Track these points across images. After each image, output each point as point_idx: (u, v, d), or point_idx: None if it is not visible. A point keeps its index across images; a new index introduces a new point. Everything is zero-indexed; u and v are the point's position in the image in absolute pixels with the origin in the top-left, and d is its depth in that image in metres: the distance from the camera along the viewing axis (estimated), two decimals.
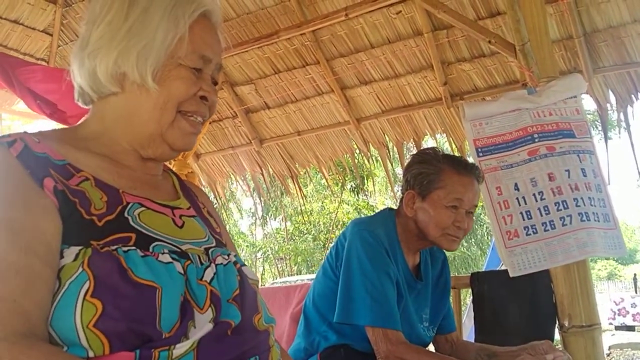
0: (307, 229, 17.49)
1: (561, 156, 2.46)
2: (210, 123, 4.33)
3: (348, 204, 16.33)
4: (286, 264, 17.83)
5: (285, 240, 17.77)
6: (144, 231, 0.97)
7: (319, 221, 17.20)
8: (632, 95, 3.36)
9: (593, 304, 2.52)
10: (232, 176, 4.81)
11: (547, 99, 2.56)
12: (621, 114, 3.45)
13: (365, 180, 13.73)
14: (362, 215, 11.78)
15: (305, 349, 1.97)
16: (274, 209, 17.33)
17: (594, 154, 2.55)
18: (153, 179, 1.12)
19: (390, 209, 2.07)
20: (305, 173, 4.71)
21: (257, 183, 4.78)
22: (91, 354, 0.83)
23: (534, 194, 2.44)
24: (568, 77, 2.68)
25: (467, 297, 6.02)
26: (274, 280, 16.31)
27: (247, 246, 18.42)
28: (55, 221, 0.91)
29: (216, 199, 5.01)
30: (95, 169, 1.02)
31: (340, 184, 13.99)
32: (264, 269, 19.31)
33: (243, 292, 1.03)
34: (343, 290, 1.85)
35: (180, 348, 0.88)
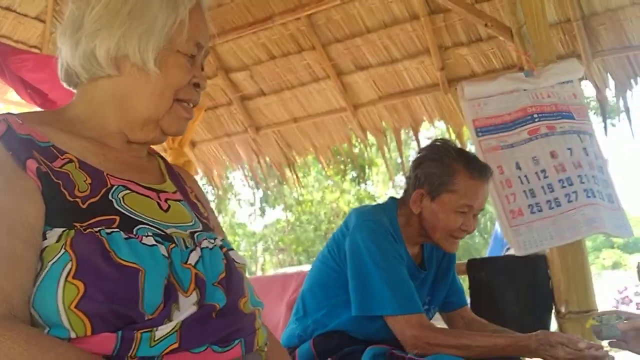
0: (307, 219, 17.49)
1: (562, 135, 2.44)
2: (205, 110, 4.30)
3: (349, 194, 16.33)
4: (287, 254, 17.86)
5: (286, 230, 17.79)
6: (128, 214, 0.97)
7: (320, 211, 17.20)
8: (632, 80, 3.33)
9: (590, 289, 2.50)
10: (228, 164, 4.79)
11: (545, 80, 2.54)
12: (620, 99, 3.42)
13: (367, 170, 13.72)
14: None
15: (299, 335, 1.95)
16: (273, 198, 17.33)
17: (594, 136, 2.53)
18: (139, 162, 1.12)
19: (393, 199, 2.03)
20: (303, 161, 4.69)
21: (254, 171, 4.75)
22: (73, 335, 0.84)
23: (536, 172, 2.41)
24: (565, 61, 2.66)
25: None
26: (275, 271, 16.34)
27: (246, 236, 18.43)
28: (38, 203, 0.91)
29: (213, 188, 5.00)
30: (80, 151, 1.01)
31: (341, 174, 13.98)
32: (264, 259, 19.34)
33: (229, 276, 1.03)
34: (358, 283, 1.81)
35: (163, 330, 0.88)
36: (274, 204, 17.75)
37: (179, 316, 0.91)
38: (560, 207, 2.33)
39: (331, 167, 5.96)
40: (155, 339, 0.88)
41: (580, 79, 3.31)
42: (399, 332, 1.76)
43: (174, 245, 0.97)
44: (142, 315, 0.87)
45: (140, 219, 0.98)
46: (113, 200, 0.97)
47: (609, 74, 3.35)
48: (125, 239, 0.91)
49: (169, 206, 1.07)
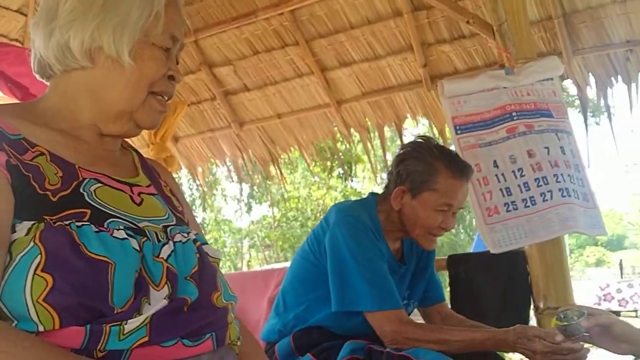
0: (294, 215, 17.49)
1: (540, 134, 2.46)
2: (188, 105, 4.27)
3: (336, 191, 16.34)
4: (273, 250, 17.84)
5: (273, 227, 17.77)
6: (99, 207, 0.97)
7: (307, 208, 17.20)
8: (612, 78, 3.36)
9: (568, 285, 2.54)
10: (212, 160, 4.77)
11: (524, 78, 2.56)
12: (601, 97, 3.45)
13: (353, 167, 13.74)
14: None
15: (279, 331, 1.96)
16: (259, 195, 17.31)
17: (572, 134, 2.55)
18: (111, 155, 1.12)
19: (374, 194, 2.04)
20: (287, 158, 4.68)
21: (238, 167, 4.74)
22: (41, 329, 0.83)
23: (513, 171, 2.44)
24: (545, 59, 2.69)
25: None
26: (260, 267, 16.32)
27: (232, 233, 18.39)
28: (7, 196, 0.90)
29: (197, 184, 4.98)
30: (52, 144, 1.01)
31: (327, 171, 13.99)
32: (250, 256, 19.32)
33: (202, 270, 1.03)
34: (337, 279, 1.82)
35: (132, 323, 0.88)
36: (260, 200, 17.73)
37: (149, 310, 0.91)
38: (535, 206, 2.36)
39: (317, 163, 5.96)
40: (125, 332, 0.88)
41: (562, 77, 3.35)
42: (378, 328, 1.77)
43: (145, 238, 0.97)
44: (112, 308, 0.87)
45: (111, 213, 0.98)
46: (84, 193, 0.97)
47: (589, 72, 3.37)
48: (96, 232, 0.91)
49: (142, 200, 1.07)
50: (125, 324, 0.87)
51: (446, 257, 2.85)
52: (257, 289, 3.16)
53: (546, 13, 3.24)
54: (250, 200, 17.42)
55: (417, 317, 2.10)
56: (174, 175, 5.11)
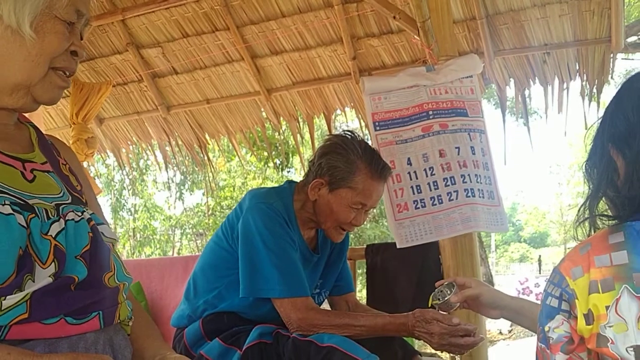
0: (228, 204, 17.32)
1: (453, 134, 2.55)
2: (114, 86, 4.16)
3: (272, 181, 16.29)
4: (205, 239, 17.63)
5: (206, 215, 17.54)
6: None
7: (241, 197, 17.04)
8: (530, 79, 3.51)
9: (477, 274, 2.65)
10: (137, 143, 4.66)
11: (444, 77, 2.64)
12: (519, 97, 3.61)
13: (290, 157, 13.72)
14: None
15: (189, 316, 1.95)
16: (191, 182, 17.03)
17: (485, 133, 2.66)
18: (5, 130, 1.08)
19: (291, 182, 2.06)
20: (225, 145, 4.61)
21: (164, 152, 4.65)
22: None
23: (424, 169, 2.52)
24: (465, 57, 2.77)
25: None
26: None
27: (163, 220, 18.02)
28: None
29: (120, 167, 4.86)
30: None
31: (264, 161, 13.92)
32: (181, 244, 19.01)
33: (94, 249, 1.02)
34: (247, 265, 1.83)
35: (11, 299, 0.87)
36: (192, 188, 17.45)
37: (32, 286, 0.90)
38: (442, 205, 2.47)
39: (254, 153, 5.93)
40: (2, 308, 0.87)
41: (486, 78, 3.48)
42: (285, 315, 1.80)
43: (33, 215, 0.95)
44: None
45: None
46: None
47: (509, 73, 3.51)
48: None
49: (35, 177, 1.05)
50: (4, 299, 0.86)
51: (364, 246, 2.91)
52: (177, 274, 3.13)
53: (470, 13, 3.34)
54: (182, 187, 17.13)
55: (326, 306, 2.14)
56: (99, 158, 4.93)
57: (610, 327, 0.87)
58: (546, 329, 0.96)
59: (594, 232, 0.98)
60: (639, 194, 0.92)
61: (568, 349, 0.93)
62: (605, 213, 0.99)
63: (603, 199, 0.99)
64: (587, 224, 1.00)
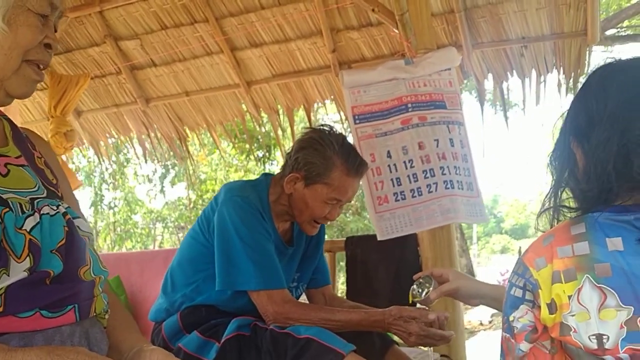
0: (210, 197, 17.24)
1: (432, 126, 2.58)
2: (92, 79, 4.11)
3: (254, 174, 16.23)
4: (186, 232, 17.54)
5: (188, 208, 17.44)
6: None
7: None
8: (508, 72, 3.55)
9: (456, 266, 2.69)
10: (116, 135, 4.62)
11: (422, 70, 2.65)
12: (497, 90, 3.64)
13: (272, 150, 13.69)
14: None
15: (167, 309, 1.95)
16: (173, 175, 16.92)
17: (463, 125, 2.68)
18: None
19: (267, 175, 2.06)
20: (206, 138, 4.57)
21: (143, 145, 4.62)
22: None
23: (404, 162, 2.54)
24: (443, 50, 2.79)
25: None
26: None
27: (144, 213, 17.89)
28: None
29: (99, 159, 4.82)
30: None
31: (246, 153, 13.88)
32: (162, 237, 18.89)
33: (70, 243, 1.02)
34: (223, 258, 1.83)
35: None
36: (174, 181, 17.34)
37: (7, 281, 0.90)
38: (421, 197, 2.50)
39: (235, 146, 5.91)
40: None
41: (464, 71, 3.50)
42: (261, 307, 1.81)
43: (7, 209, 0.95)
44: None
45: None
46: None
47: (487, 66, 3.54)
48: None
49: (9, 171, 1.04)
50: None
51: (344, 239, 2.93)
52: (157, 268, 3.12)
53: (448, 6, 3.35)
54: (163, 180, 17.02)
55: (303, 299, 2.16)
56: (78, 150, 4.87)
57: (572, 316, 0.89)
58: (511, 318, 0.98)
59: (557, 223, 1.01)
60: (597, 187, 0.94)
61: (532, 338, 0.95)
62: (568, 205, 1.01)
63: (566, 190, 1.01)
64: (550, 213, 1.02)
